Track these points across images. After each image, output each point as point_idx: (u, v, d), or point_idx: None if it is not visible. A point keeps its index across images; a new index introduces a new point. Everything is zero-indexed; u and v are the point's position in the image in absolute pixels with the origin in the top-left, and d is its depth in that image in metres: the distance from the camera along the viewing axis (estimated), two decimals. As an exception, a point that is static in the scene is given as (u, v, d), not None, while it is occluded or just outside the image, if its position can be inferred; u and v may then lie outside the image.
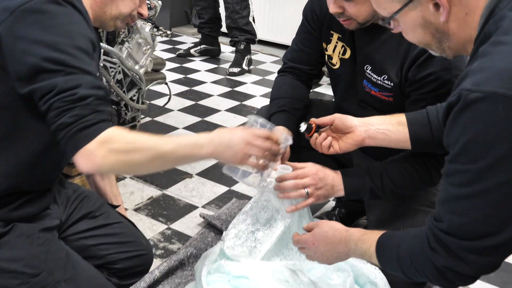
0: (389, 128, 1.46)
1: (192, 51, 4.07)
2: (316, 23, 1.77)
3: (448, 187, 1.03)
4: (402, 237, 1.19)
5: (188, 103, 3.17)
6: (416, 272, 1.14)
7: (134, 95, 2.20)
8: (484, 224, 0.99)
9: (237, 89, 3.54)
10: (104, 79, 2.01)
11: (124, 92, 2.13)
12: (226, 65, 3.93)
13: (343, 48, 1.72)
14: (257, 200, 1.68)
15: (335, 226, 1.35)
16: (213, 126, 2.88)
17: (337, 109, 1.86)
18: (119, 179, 2.26)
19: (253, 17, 3.82)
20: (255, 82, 3.70)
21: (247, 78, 3.76)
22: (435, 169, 1.51)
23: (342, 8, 1.49)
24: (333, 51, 1.76)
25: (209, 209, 2.13)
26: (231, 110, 3.16)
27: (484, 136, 0.95)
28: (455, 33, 1.11)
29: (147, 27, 2.18)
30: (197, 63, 3.95)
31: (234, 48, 3.92)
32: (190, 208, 2.13)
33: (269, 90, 3.45)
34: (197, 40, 4.22)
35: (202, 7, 3.93)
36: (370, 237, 1.24)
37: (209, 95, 3.35)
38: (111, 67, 2.04)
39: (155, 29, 2.23)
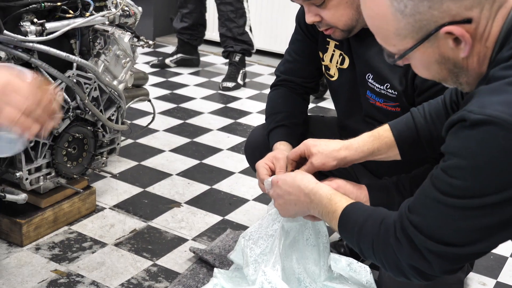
0: (369, 135, 1.56)
1: (167, 61, 4.16)
2: (311, 30, 1.82)
3: (432, 187, 1.13)
4: (370, 214, 1.30)
5: (175, 122, 3.23)
6: (372, 255, 1.26)
7: (113, 114, 2.24)
8: (453, 234, 1.11)
9: (231, 105, 3.60)
10: (77, 97, 2.06)
11: (101, 111, 2.17)
12: (218, 79, 4.02)
13: (341, 56, 1.77)
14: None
15: (307, 176, 1.48)
16: (203, 148, 2.94)
17: (341, 127, 1.91)
18: (97, 210, 2.29)
19: (250, 27, 3.91)
20: (251, 97, 3.77)
21: (242, 93, 3.83)
22: None
23: (319, 17, 1.57)
24: (330, 60, 1.80)
25: (201, 242, 2.16)
26: (224, 129, 3.22)
27: (478, 160, 1.04)
28: (475, 68, 1.15)
29: (126, 37, 2.21)
30: (184, 77, 4.03)
31: (227, 60, 4.00)
32: (179, 241, 2.16)
33: (259, 105, 3.61)
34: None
35: (189, 10, 4.02)
36: (339, 201, 1.37)
37: (199, 113, 3.41)
38: (85, 83, 2.08)
39: (135, 39, 2.26)
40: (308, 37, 1.84)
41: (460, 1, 1.07)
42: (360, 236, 1.29)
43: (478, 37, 1.11)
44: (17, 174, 1.97)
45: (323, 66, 1.85)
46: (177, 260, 2.04)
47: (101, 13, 2.07)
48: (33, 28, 1.88)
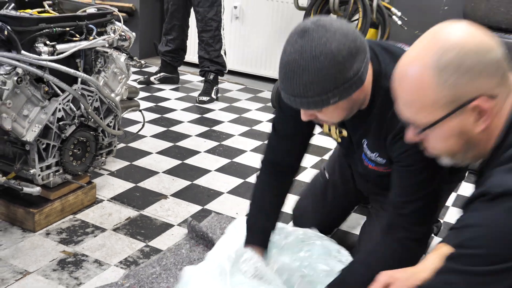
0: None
1: (152, 78, 4.13)
2: (294, 112, 1.54)
3: (450, 266, 1.03)
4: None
5: (160, 129, 3.21)
6: None
7: (111, 122, 2.23)
8: None
9: (206, 115, 3.60)
10: (82, 107, 2.06)
11: (101, 118, 2.16)
12: (194, 94, 4.00)
13: (337, 129, 1.67)
14: None
15: None
16: (184, 151, 2.93)
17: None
18: (97, 201, 2.28)
19: (225, 51, 3.92)
20: (223, 109, 3.77)
21: (215, 105, 3.83)
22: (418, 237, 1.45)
23: (314, 116, 1.41)
24: (329, 130, 1.71)
25: (184, 227, 2.15)
26: (201, 135, 3.21)
27: (502, 227, 0.97)
28: (483, 143, 1.11)
29: (122, 57, 2.22)
30: (167, 92, 4.01)
31: (203, 78, 4.00)
32: (166, 226, 2.15)
33: (236, 116, 3.60)
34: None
35: (172, 37, 4.02)
36: None
37: (179, 122, 3.40)
38: (88, 95, 2.08)
39: (129, 59, 2.27)
40: (292, 119, 1.59)
41: (492, 79, 1.04)
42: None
43: (494, 113, 1.07)
44: (31, 171, 1.95)
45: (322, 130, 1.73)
46: (165, 241, 2.05)
47: (102, 37, 2.07)
48: (46, 49, 1.86)
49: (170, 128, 3.26)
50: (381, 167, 1.58)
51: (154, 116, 3.41)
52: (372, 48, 1.41)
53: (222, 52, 3.91)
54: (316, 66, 1.25)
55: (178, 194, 2.44)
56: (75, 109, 2.03)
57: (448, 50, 1.04)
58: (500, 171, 1.01)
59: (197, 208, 2.33)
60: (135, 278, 1.78)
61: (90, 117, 2.09)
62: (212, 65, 3.91)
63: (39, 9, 2.24)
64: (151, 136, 3.08)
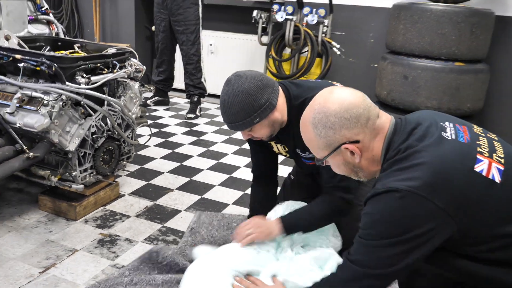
0: None
1: (148, 101, 4.19)
2: (258, 143, 1.79)
3: (357, 238, 1.16)
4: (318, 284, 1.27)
5: (160, 140, 3.29)
6: None
7: (129, 134, 2.33)
8: (376, 262, 1.11)
9: (194, 128, 3.69)
10: (109, 123, 2.17)
11: (123, 132, 2.27)
12: (182, 112, 4.09)
13: (282, 146, 1.80)
14: None
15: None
16: (181, 156, 3.03)
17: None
18: (120, 196, 2.37)
19: (205, 78, 4.02)
20: (206, 123, 3.86)
21: (200, 120, 3.92)
22: (347, 199, 1.62)
23: (250, 135, 1.61)
24: (278, 149, 1.85)
25: (190, 211, 2.26)
26: (192, 143, 3.30)
27: (383, 214, 1.09)
28: (367, 167, 1.22)
29: (136, 85, 2.33)
30: (161, 112, 4.08)
31: (189, 100, 4.10)
32: (176, 212, 2.25)
33: (217, 127, 3.72)
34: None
35: (163, 69, 4.12)
36: None
37: (174, 134, 3.48)
38: (113, 114, 2.18)
39: (141, 86, 2.38)
40: (259, 146, 1.85)
41: (351, 130, 1.15)
42: None
43: (365, 150, 1.18)
44: (73, 173, 2.05)
45: (276, 152, 1.87)
46: (177, 222, 2.14)
47: (123, 70, 2.17)
48: (83, 80, 1.97)
49: (167, 139, 3.34)
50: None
51: (154, 130, 3.47)
52: (282, 83, 1.66)
53: (202, 79, 4.02)
54: (237, 100, 1.51)
55: (182, 188, 2.54)
56: (103, 125, 2.14)
57: (318, 112, 1.18)
58: (381, 177, 1.13)
59: (197, 197, 2.43)
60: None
61: (115, 131, 2.19)
62: (196, 89, 4.01)
63: (71, 50, 2.35)
64: (154, 145, 3.16)
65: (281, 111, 1.59)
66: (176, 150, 3.13)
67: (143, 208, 2.28)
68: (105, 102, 2.12)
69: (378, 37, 3.83)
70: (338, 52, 3.60)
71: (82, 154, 2.07)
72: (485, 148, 1.13)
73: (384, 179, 1.10)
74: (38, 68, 1.94)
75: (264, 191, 1.93)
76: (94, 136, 2.09)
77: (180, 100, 4.53)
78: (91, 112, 2.07)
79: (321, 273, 1.49)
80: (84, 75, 1.99)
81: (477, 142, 1.14)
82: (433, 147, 1.09)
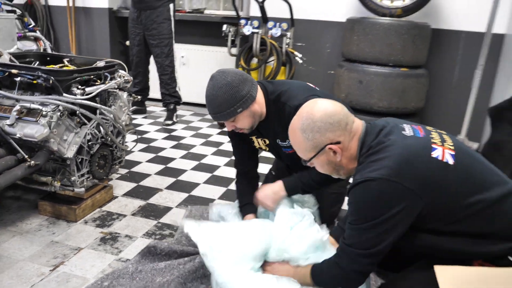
0: None
1: None
2: (240, 139, 1.86)
3: (348, 224, 1.26)
4: (323, 261, 1.37)
5: (142, 146, 3.25)
6: (326, 279, 1.33)
7: (120, 140, 2.30)
8: (364, 243, 1.22)
9: (173, 134, 3.66)
10: (102, 130, 2.14)
11: (115, 138, 2.24)
12: (160, 120, 4.06)
13: (262, 140, 1.86)
14: None
15: (290, 266, 1.49)
16: (165, 159, 3.01)
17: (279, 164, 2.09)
18: (114, 197, 2.33)
19: (179, 87, 4.01)
20: (183, 129, 3.85)
21: (177, 126, 3.90)
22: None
23: (234, 126, 1.66)
24: (259, 144, 1.90)
25: (181, 208, 2.26)
26: (173, 147, 3.29)
27: (364, 201, 1.18)
28: (347, 165, 1.32)
29: (125, 94, 2.31)
30: (140, 120, 4.02)
31: (165, 108, 4.07)
32: (168, 209, 2.25)
33: (194, 132, 3.72)
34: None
35: (138, 80, 4.07)
36: (307, 270, 1.41)
37: (155, 139, 3.45)
38: (106, 122, 2.14)
39: (129, 96, 2.36)
40: (241, 141, 1.88)
41: (334, 133, 1.26)
42: (324, 277, 1.34)
43: (345, 149, 1.28)
44: (72, 178, 2.00)
45: (257, 148, 1.91)
46: (170, 218, 2.14)
47: (113, 81, 2.15)
48: (78, 91, 1.94)
49: (150, 144, 3.31)
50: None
51: (135, 137, 3.44)
52: (259, 82, 1.72)
53: (177, 89, 4.00)
54: (221, 92, 1.56)
55: (170, 187, 2.53)
56: (98, 133, 2.11)
57: (306, 118, 1.28)
58: (359, 169, 1.23)
59: (186, 195, 2.43)
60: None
61: (108, 137, 2.17)
62: (172, 98, 3.99)
63: (61, 64, 2.30)
64: (138, 151, 3.13)
65: (260, 104, 1.65)
66: (159, 154, 3.11)
67: (137, 207, 2.26)
68: (97, 111, 2.10)
69: (333, 47, 3.95)
70: (300, 61, 3.70)
71: (80, 160, 2.03)
72: (438, 139, 1.26)
73: (362, 170, 1.20)
74: (35, 82, 1.89)
75: (248, 183, 1.95)
76: (89, 143, 2.06)
77: (156, 109, 4.48)
78: (86, 121, 2.04)
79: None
80: (79, 87, 1.96)
81: (430, 135, 1.27)
82: (397, 142, 1.21)
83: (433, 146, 1.22)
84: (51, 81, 1.85)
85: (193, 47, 4.48)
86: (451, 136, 1.33)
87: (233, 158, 3.03)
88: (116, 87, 2.21)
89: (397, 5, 3.29)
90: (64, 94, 1.89)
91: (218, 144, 3.45)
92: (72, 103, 1.92)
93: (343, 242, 1.28)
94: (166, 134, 3.63)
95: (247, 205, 1.85)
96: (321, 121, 1.26)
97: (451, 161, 1.21)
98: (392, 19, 3.22)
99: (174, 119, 3.97)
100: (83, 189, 1.99)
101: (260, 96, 1.66)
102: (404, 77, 3.21)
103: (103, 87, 2.08)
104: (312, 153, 1.30)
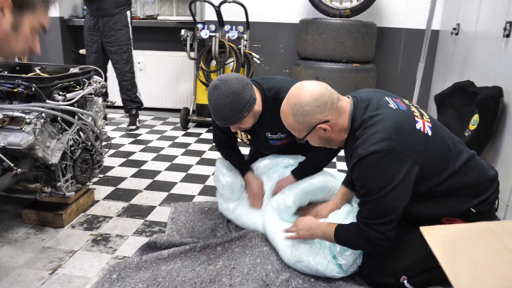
0: (339, 197, 1.81)
1: None
2: (222, 128, 1.91)
3: (360, 198, 1.37)
4: (348, 227, 1.47)
5: (111, 151, 3.23)
6: (353, 244, 1.45)
7: (99, 144, 2.31)
8: (380, 212, 1.33)
9: (138, 138, 3.67)
10: (82, 135, 2.15)
11: (95, 142, 2.25)
12: (123, 125, 4.04)
13: (246, 134, 1.96)
14: None
15: (312, 219, 1.60)
16: (137, 162, 3.02)
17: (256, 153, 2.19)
18: (96, 201, 2.33)
19: (140, 93, 4.00)
20: (147, 133, 3.85)
21: (141, 131, 3.90)
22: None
23: (238, 127, 1.76)
24: (241, 136, 2.01)
25: (164, 206, 2.31)
26: (142, 150, 3.30)
27: (371, 173, 1.27)
28: (337, 137, 1.43)
29: (100, 99, 2.32)
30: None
31: (127, 114, 4.04)
32: (152, 208, 2.29)
33: (159, 135, 3.75)
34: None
35: None
36: (332, 227, 1.50)
37: (122, 145, 3.44)
38: (86, 127, 2.15)
39: (104, 101, 2.37)
40: (223, 131, 1.98)
41: (321, 114, 1.35)
42: (347, 239, 1.44)
43: (334, 126, 1.38)
44: (58, 184, 1.99)
45: (239, 139, 2.04)
46: (156, 216, 2.18)
47: (91, 87, 2.17)
48: (60, 97, 1.95)
49: (118, 150, 3.30)
50: (284, 140, 1.92)
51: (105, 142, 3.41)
52: (254, 80, 1.84)
53: (138, 94, 3.99)
54: (229, 101, 1.64)
55: (149, 188, 2.56)
56: (78, 138, 2.12)
57: (295, 104, 1.36)
58: (360, 144, 1.32)
59: (166, 193, 2.48)
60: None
61: (88, 142, 2.18)
62: (133, 103, 3.97)
63: (33, 73, 2.26)
64: (109, 156, 3.11)
65: (258, 103, 1.76)
66: (130, 158, 3.11)
67: (121, 208, 2.28)
68: (76, 117, 2.10)
69: (286, 47, 4.14)
70: (258, 62, 3.84)
71: (64, 166, 2.03)
72: (417, 112, 1.43)
73: (363, 144, 1.31)
74: (15, 90, 1.87)
75: (235, 151, 2.08)
76: (72, 148, 2.07)
77: (116, 115, 4.43)
78: (66, 127, 2.05)
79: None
80: (61, 93, 1.97)
81: (411, 109, 1.43)
82: (388, 115, 1.35)
83: (416, 119, 1.37)
84: (33, 89, 1.84)
85: (150, 53, 4.48)
86: (423, 110, 1.50)
87: (204, 156, 3.14)
88: (93, 92, 2.22)
89: (346, 6, 3.54)
90: (48, 101, 1.88)
91: (185, 145, 3.51)
92: (56, 109, 1.92)
93: (359, 217, 1.39)
94: (132, 139, 3.62)
95: (244, 165, 2.02)
96: (309, 105, 1.35)
97: (430, 132, 1.37)
98: (342, 19, 3.46)
99: (138, 124, 3.97)
100: (73, 192, 2.00)
101: (257, 95, 1.76)
102: (356, 72, 3.46)
103: (83, 92, 2.09)
104: (305, 132, 1.40)
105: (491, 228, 1.22)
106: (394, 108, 1.39)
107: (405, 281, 1.51)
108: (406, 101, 1.50)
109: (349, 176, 1.77)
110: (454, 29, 3.21)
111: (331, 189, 1.88)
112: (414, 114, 1.41)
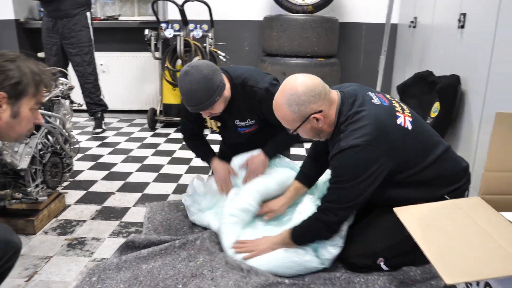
0: (292, 191, 1.81)
1: None
2: (192, 119, 1.98)
3: (330, 183, 1.44)
4: (302, 222, 1.54)
5: (79, 155, 3.15)
6: (310, 233, 1.51)
7: (68, 147, 2.27)
8: (346, 198, 1.42)
9: (106, 141, 3.61)
10: (51, 139, 2.10)
11: (64, 145, 2.20)
12: (88, 129, 3.96)
13: (215, 122, 1.99)
14: None
15: (268, 237, 1.64)
16: (107, 164, 2.97)
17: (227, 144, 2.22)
18: (67, 206, 2.29)
19: (103, 95, 3.93)
20: (114, 135, 3.80)
21: (108, 134, 3.84)
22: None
23: (209, 113, 1.77)
24: (211, 124, 2.03)
25: (138, 206, 2.29)
26: (111, 153, 3.25)
27: (349, 164, 1.37)
28: (326, 130, 1.48)
29: (67, 102, 2.28)
30: (66, 131, 3.87)
31: (91, 117, 3.96)
32: (126, 209, 2.26)
33: (126, 137, 3.70)
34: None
35: None
36: (287, 234, 1.58)
37: (90, 148, 3.37)
38: (54, 130, 2.11)
39: (71, 103, 2.33)
40: (192, 121, 2.00)
41: (316, 104, 1.39)
42: (305, 235, 1.52)
43: (326, 116, 1.43)
44: (28, 189, 1.93)
45: (208, 127, 2.05)
46: (131, 216, 2.17)
47: (58, 89, 2.13)
48: (26, 100, 1.91)
49: (86, 153, 3.23)
50: (253, 126, 1.95)
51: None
52: (221, 68, 1.87)
53: (101, 97, 3.91)
54: (200, 86, 1.66)
55: (121, 189, 2.53)
56: (47, 142, 2.07)
57: (290, 94, 1.39)
58: (342, 138, 1.40)
59: (139, 194, 2.46)
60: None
61: (58, 145, 2.13)
62: (98, 106, 3.89)
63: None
64: (76, 160, 3.03)
65: (227, 89, 1.79)
66: (99, 161, 3.06)
67: (94, 212, 2.24)
68: (43, 120, 2.05)
69: (251, 44, 4.18)
70: (224, 60, 3.85)
71: (34, 170, 1.98)
72: (399, 108, 1.50)
73: (346, 138, 1.39)
74: (-22, 94, 1.81)
75: (201, 140, 2.11)
76: (41, 152, 2.02)
77: (79, 119, 4.33)
78: (34, 131, 1.99)
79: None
80: (28, 96, 1.91)
81: (393, 104, 1.51)
82: (371, 111, 1.42)
83: (397, 114, 1.45)
84: (-2, 92, 1.79)
85: (112, 54, 4.40)
86: (405, 104, 1.58)
87: (174, 156, 3.14)
88: (60, 94, 2.17)
89: (308, 2, 3.62)
90: (13, 104, 1.83)
91: (155, 145, 3.48)
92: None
93: (324, 201, 1.47)
94: (99, 142, 3.56)
95: (210, 153, 2.04)
96: (305, 94, 1.39)
97: (410, 126, 1.46)
98: (305, 15, 3.54)
99: (103, 127, 3.90)
100: (45, 197, 1.95)
101: (226, 81, 1.79)
102: (321, 66, 3.54)
103: (50, 95, 2.04)
104: (298, 123, 1.43)
105: (458, 205, 1.30)
106: (377, 103, 1.46)
107: (382, 263, 1.59)
108: (388, 96, 1.57)
109: (302, 172, 1.81)
110: (412, 22, 3.35)
111: (288, 185, 1.87)
112: (396, 109, 1.48)
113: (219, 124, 1.99)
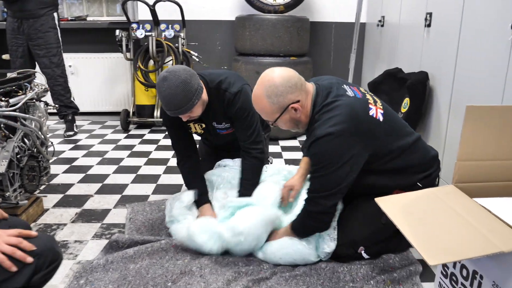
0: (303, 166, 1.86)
1: None
2: (177, 128, 1.97)
3: (312, 173, 1.48)
4: (297, 218, 1.60)
5: (53, 159, 3.03)
6: (303, 225, 1.56)
7: (44, 151, 2.23)
8: (329, 185, 1.46)
9: (79, 144, 3.55)
10: (28, 142, 2.06)
11: (41, 148, 2.17)
12: (59, 132, 3.88)
13: (199, 125, 2.01)
14: None
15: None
16: (83, 167, 2.94)
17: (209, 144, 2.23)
18: (45, 210, 2.25)
19: (73, 97, 3.85)
20: (87, 138, 3.74)
21: (80, 136, 3.78)
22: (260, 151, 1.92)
23: (188, 116, 1.78)
24: (195, 128, 2.04)
25: (119, 208, 2.28)
26: (85, 155, 3.21)
27: (325, 151, 1.41)
28: (304, 120, 1.53)
29: (42, 104, 2.23)
30: (36, 135, 3.78)
31: (62, 120, 3.87)
32: (107, 211, 2.25)
33: (100, 139, 3.67)
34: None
35: None
36: (289, 227, 1.64)
37: (63, 151, 3.31)
38: (32, 133, 2.07)
39: (46, 106, 2.29)
40: (177, 129, 1.97)
41: (293, 94, 1.45)
42: (300, 228, 1.58)
43: (303, 106, 1.49)
44: (7, 194, 1.91)
45: (192, 132, 2.02)
46: (113, 218, 2.16)
47: (33, 91, 2.09)
48: (3, 103, 1.86)
49: (59, 157, 3.17)
50: (229, 129, 2.00)
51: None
52: (198, 73, 1.88)
53: (72, 99, 3.83)
54: (179, 90, 1.68)
55: (99, 192, 2.51)
56: (24, 145, 2.04)
57: (269, 86, 1.45)
58: (317, 126, 1.45)
59: (118, 196, 2.44)
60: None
61: (34, 148, 2.09)
62: (68, 109, 3.80)
63: (-35, 79, 2.13)
64: (51, 164, 2.97)
65: (204, 92, 1.83)
66: (74, 164, 3.01)
67: (74, 215, 2.22)
68: (18, 122, 2.01)
69: (223, 44, 4.21)
70: (197, 59, 3.87)
71: (12, 174, 1.94)
72: (371, 100, 1.58)
73: (321, 126, 1.45)
74: (-49, 98, 1.77)
75: (194, 169, 2.02)
76: (18, 156, 1.99)
77: (50, 122, 4.21)
78: (10, 135, 1.96)
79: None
80: (3, 99, 1.88)
81: (366, 97, 1.58)
82: (345, 102, 1.49)
83: (370, 106, 1.53)
84: (-27, 95, 1.75)
85: (81, 55, 4.32)
86: (377, 97, 1.66)
87: (151, 157, 3.14)
88: (35, 97, 2.14)
89: (279, 2, 3.68)
90: (-11, 107, 1.80)
91: (130, 147, 3.46)
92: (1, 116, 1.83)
93: (308, 192, 1.52)
94: (72, 145, 3.50)
95: (201, 195, 1.95)
96: (282, 85, 1.44)
97: (381, 118, 1.54)
98: (278, 14, 3.60)
99: (75, 130, 3.84)
100: (25, 201, 1.92)
101: (203, 85, 1.83)
102: (293, 65, 3.62)
103: (27, 96, 2.01)
104: (277, 114, 1.48)
105: (436, 193, 1.39)
106: (351, 95, 1.53)
107: (363, 251, 1.66)
108: (362, 89, 1.65)
109: (305, 148, 1.85)
110: (380, 21, 3.48)
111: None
112: (369, 101, 1.56)
113: (203, 125, 2.01)
